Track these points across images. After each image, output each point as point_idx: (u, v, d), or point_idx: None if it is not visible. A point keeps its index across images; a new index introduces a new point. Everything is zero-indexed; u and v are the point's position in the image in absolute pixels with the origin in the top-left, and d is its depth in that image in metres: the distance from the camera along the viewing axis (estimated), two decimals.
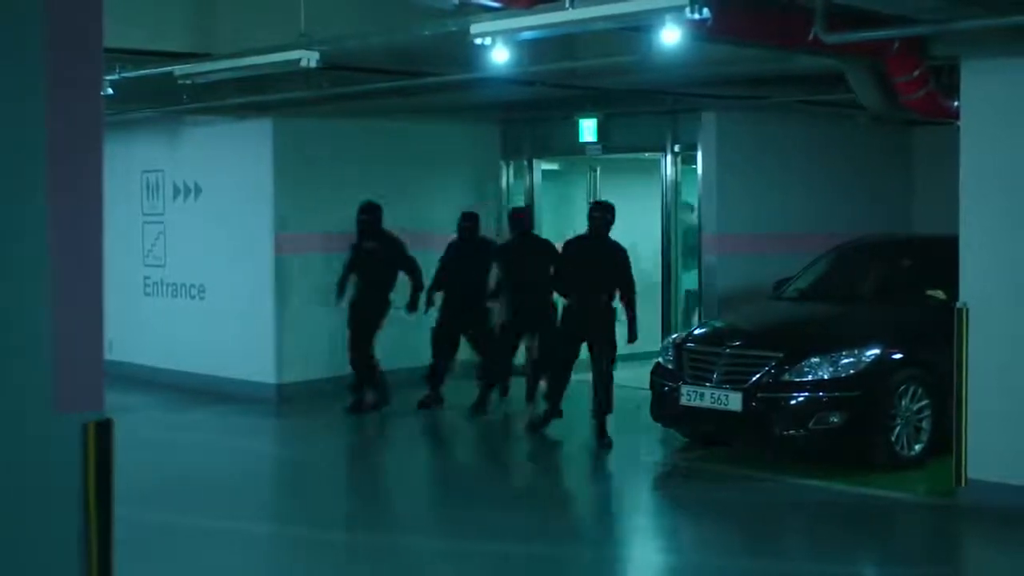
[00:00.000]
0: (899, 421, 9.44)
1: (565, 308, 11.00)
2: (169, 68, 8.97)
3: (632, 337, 10.71)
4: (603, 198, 12.37)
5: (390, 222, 12.29)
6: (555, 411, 11.10)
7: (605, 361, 10.61)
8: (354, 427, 11.76)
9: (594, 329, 10.62)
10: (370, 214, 12.09)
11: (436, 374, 12.34)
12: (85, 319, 3.16)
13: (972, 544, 8.29)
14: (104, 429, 3.17)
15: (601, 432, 10.57)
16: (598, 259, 10.71)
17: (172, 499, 8.95)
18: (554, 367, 11.04)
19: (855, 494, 8.93)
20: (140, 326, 14.28)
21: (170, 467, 10.07)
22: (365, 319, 11.99)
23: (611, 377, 10.69)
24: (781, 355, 9.55)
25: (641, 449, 10.71)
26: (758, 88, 11.39)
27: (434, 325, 12.36)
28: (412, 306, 12.01)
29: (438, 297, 12.34)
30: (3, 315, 3.05)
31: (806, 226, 13.58)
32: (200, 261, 13.66)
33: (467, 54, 8.40)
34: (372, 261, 12.02)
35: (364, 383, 12.11)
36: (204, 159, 13.85)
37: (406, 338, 12.76)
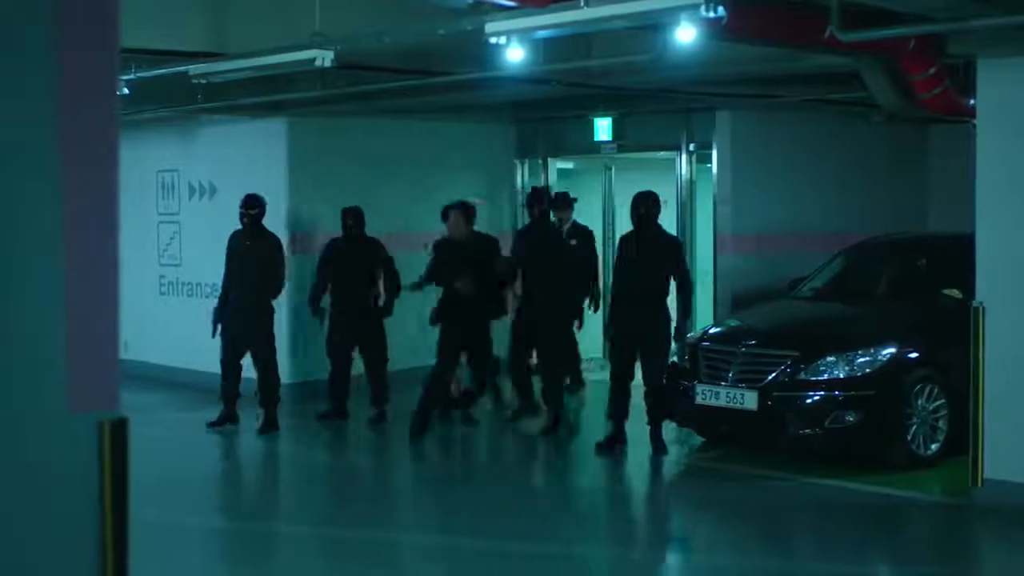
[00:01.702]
0: (915, 420, 9.41)
1: (612, 312, 10.55)
2: (184, 68, 9.00)
3: (677, 335, 10.29)
4: (617, 197, 12.23)
5: (401, 223, 12.21)
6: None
7: (661, 361, 10.19)
8: (361, 427, 11.74)
9: (648, 330, 10.11)
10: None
11: (336, 387, 11.78)
12: (101, 318, 3.16)
13: (988, 544, 8.26)
14: (119, 428, 3.17)
15: (656, 438, 10.21)
16: (642, 257, 10.18)
17: (183, 499, 8.97)
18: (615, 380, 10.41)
19: (871, 494, 8.90)
20: (155, 326, 14.30)
21: (181, 466, 10.10)
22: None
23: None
24: (797, 354, 9.53)
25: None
26: (772, 87, 11.37)
27: (327, 335, 11.79)
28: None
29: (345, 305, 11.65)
30: (18, 314, 3.05)
31: (821, 225, 13.55)
32: (215, 260, 13.63)
33: (482, 53, 8.41)
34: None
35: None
36: (219, 159, 13.88)
37: (410, 338, 12.77)
